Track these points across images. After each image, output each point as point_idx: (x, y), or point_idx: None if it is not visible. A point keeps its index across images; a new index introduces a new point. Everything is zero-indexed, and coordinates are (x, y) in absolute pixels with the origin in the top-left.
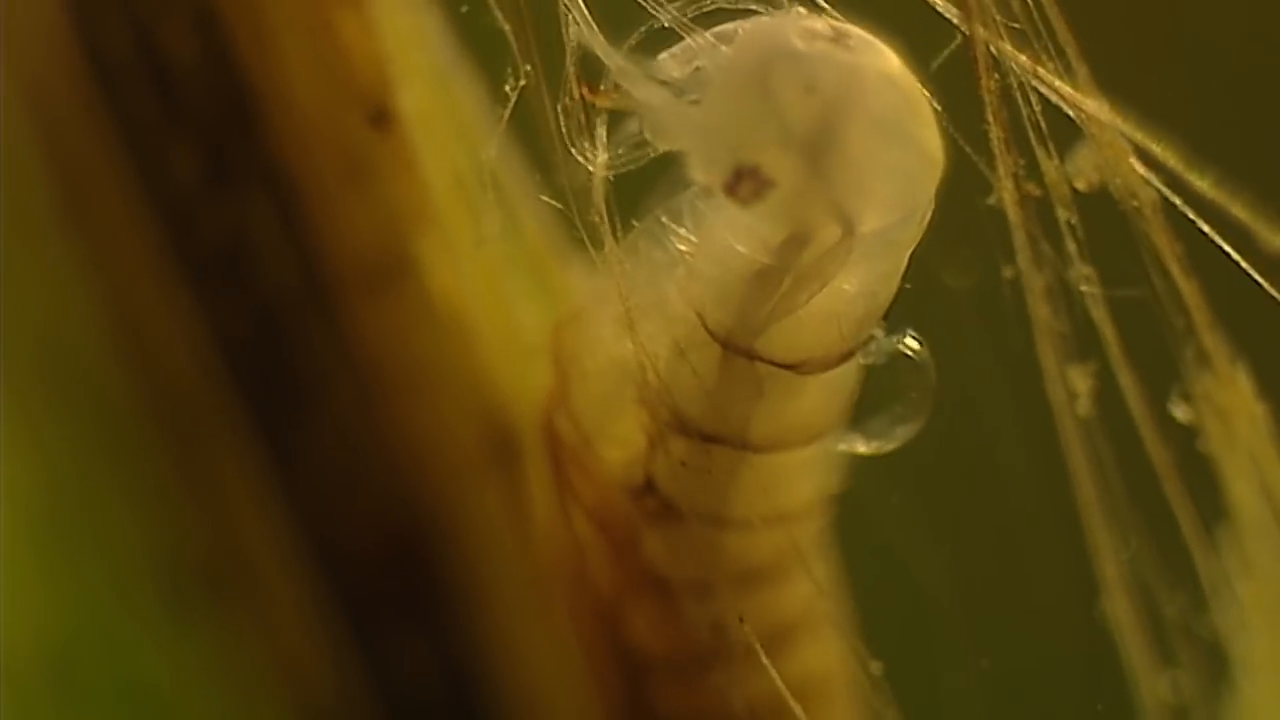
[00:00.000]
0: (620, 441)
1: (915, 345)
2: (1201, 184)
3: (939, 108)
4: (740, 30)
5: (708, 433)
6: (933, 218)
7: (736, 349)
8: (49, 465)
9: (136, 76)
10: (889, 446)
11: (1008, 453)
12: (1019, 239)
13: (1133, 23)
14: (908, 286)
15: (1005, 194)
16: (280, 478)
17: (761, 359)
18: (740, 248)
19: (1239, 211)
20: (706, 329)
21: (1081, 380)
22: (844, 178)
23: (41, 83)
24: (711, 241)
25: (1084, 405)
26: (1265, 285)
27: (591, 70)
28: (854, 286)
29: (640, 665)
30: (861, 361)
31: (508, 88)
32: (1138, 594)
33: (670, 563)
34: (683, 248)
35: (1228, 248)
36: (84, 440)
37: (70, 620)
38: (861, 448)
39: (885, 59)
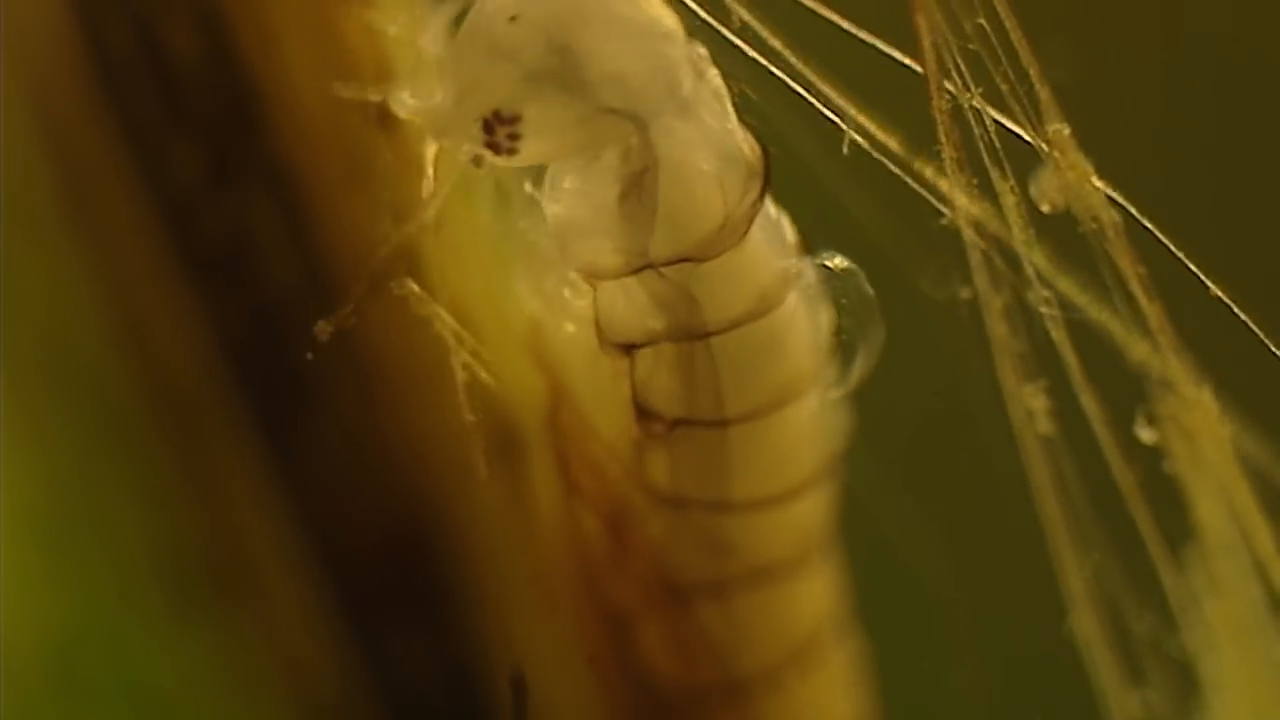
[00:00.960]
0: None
1: (839, 262)
2: (1165, 204)
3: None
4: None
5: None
6: (896, 236)
7: (641, 270)
8: (51, 464)
9: (140, 75)
10: (855, 379)
11: (978, 472)
12: (977, 260)
13: (1094, 43)
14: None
15: (964, 215)
16: (282, 476)
17: (667, 263)
18: (588, 188)
19: (1201, 230)
20: (604, 275)
21: (1043, 401)
22: (587, 81)
23: (45, 81)
24: (568, 197)
25: (1046, 425)
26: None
27: None
28: (694, 154)
29: (646, 665)
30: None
31: None
32: (1105, 613)
33: (677, 558)
34: (556, 210)
35: (1192, 267)
36: (87, 439)
37: (72, 619)
38: (834, 392)
39: None
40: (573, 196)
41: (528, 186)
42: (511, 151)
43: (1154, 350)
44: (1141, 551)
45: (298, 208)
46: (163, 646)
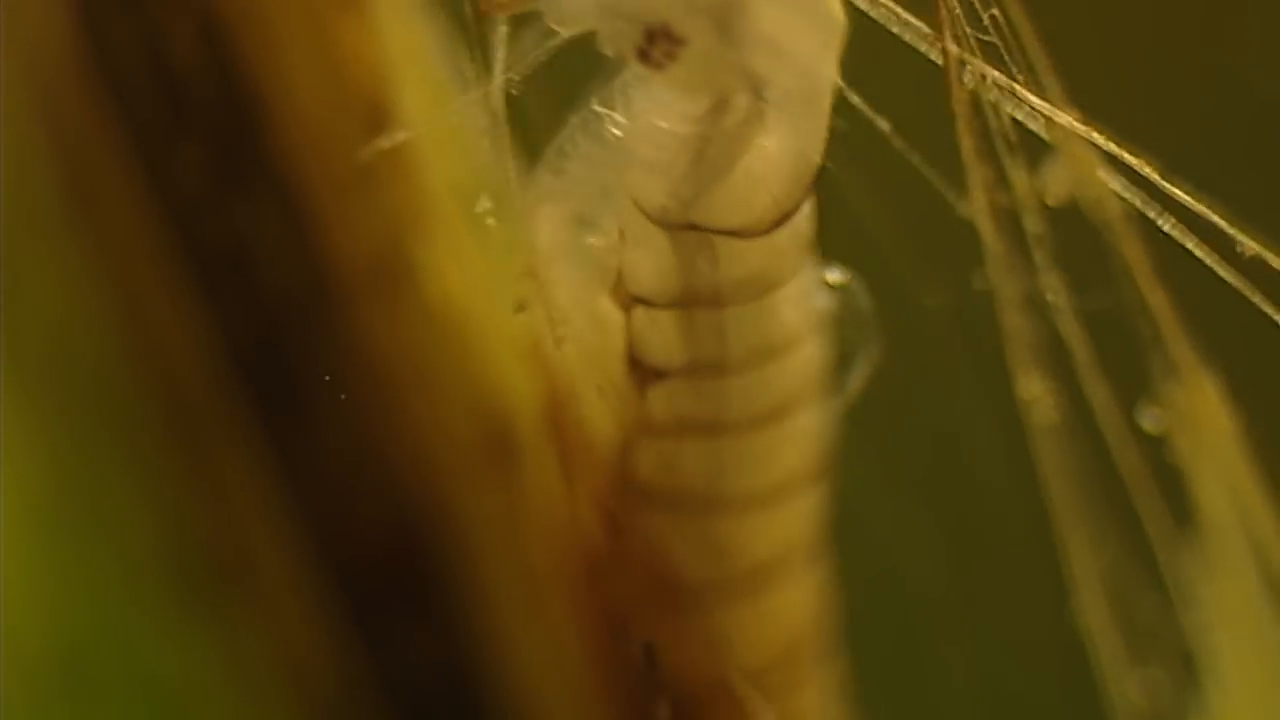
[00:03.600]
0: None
1: (839, 277)
2: (1170, 195)
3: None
4: None
5: (683, 302)
6: (906, 232)
7: (677, 225)
8: (60, 463)
9: (145, 83)
10: (854, 387)
11: (981, 459)
12: (990, 251)
13: (1102, 37)
14: (882, 299)
15: (976, 206)
16: (285, 475)
17: (701, 228)
18: (664, 124)
19: (1207, 222)
20: (644, 212)
21: (1051, 389)
22: (751, 37)
23: (52, 88)
24: (640, 123)
25: (1053, 414)
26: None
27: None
28: (777, 146)
29: (648, 662)
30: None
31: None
32: (1109, 598)
33: (676, 555)
34: (617, 132)
35: (1201, 254)
36: (94, 438)
37: (81, 615)
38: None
39: None
40: (643, 121)
41: (596, 103)
42: (659, 67)
43: (1157, 338)
44: (1144, 537)
45: (300, 211)
46: (170, 643)
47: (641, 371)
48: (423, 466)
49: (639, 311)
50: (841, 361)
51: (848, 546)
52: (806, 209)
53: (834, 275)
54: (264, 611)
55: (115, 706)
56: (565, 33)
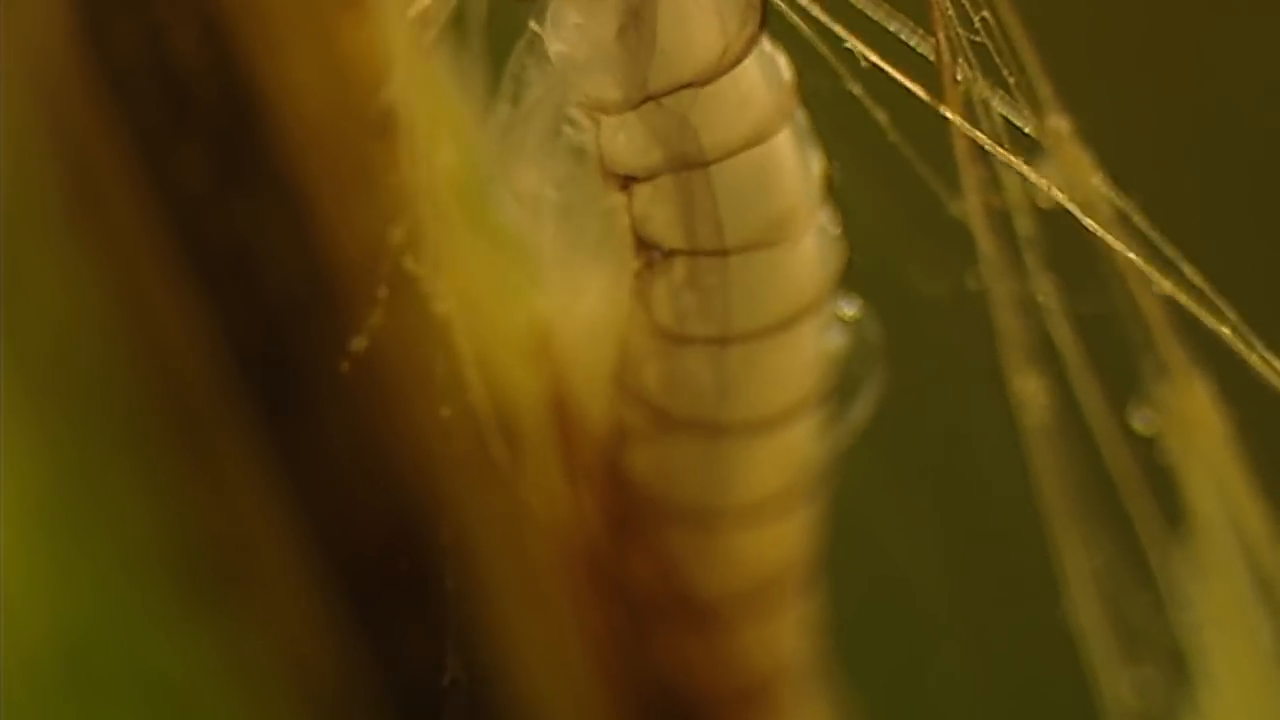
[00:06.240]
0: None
1: (850, 311)
2: (1161, 197)
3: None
4: None
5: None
6: (899, 228)
7: (640, 103)
8: (62, 461)
9: (148, 83)
10: (860, 415)
11: (981, 458)
12: (982, 251)
13: (1093, 39)
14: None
15: (969, 206)
16: (287, 473)
17: (666, 93)
18: (581, 19)
19: (1197, 222)
20: (606, 110)
21: (1044, 390)
22: None
23: (55, 88)
24: (567, 30)
25: (1046, 414)
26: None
27: None
28: None
29: (650, 658)
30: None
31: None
32: (1101, 598)
33: (679, 554)
34: (559, 46)
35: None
36: (96, 437)
37: (84, 613)
38: (837, 429)
39: None
40: (575, 32)
41: (532, 23)
42: None
43: (1148, 340)
44: (1135, 537)
45: (301, 211)
46: (172, 641)
47: (648, 256)
48: (424, 464)
49: (636, 189)
50: (848, 392)
51: (847, 544)
52: (779, 56)
53: (848, 308)
54: (266, 609)
55: (118, 704)
56: None
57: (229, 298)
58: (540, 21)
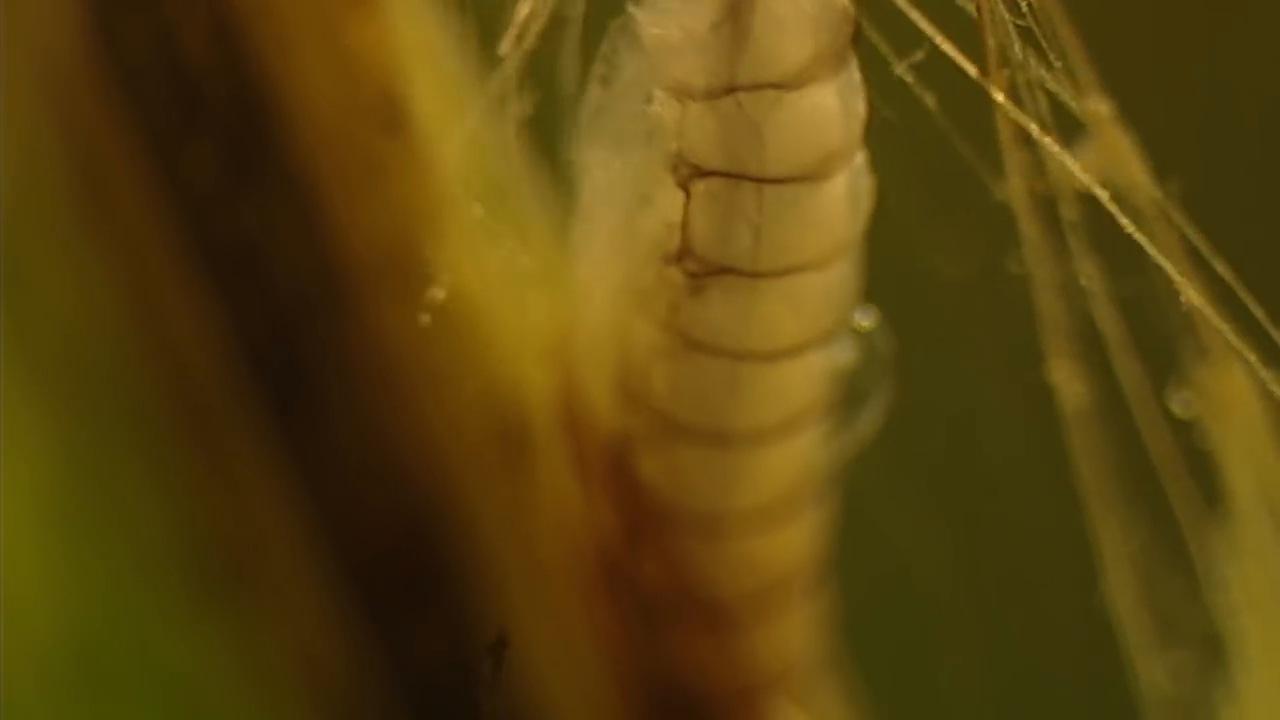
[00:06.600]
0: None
1: (864, 321)
2: (1201, 181)
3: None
4: None
5: (728, 171)
6: (935, 212)
7: (722, 92)
8: (74, 460)
9: (158, 82)
10: (869, 424)
11: (1010, 444)
12: (1024, 234)
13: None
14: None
15: (1012, 189)
16: (298, 471)
17: (748, 88)
18: (685, 10)
19: (1239, 207)
20: (691, 96)
21: (1082, 373)
22: None
23: (65, 86)
24: (662, 11)
25: (1084, 398)
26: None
27: None
28: None
29: (660, 656)
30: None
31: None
32: (1138, 582)
33: (689, 555)
34: (654, 31)
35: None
36: (107, 435)
37: (96, 611)
38: (846, 436)
39: None
40: (670, 17)
41: (630, 7)
42: None
43: (1188, 323)
44: (1173, 521)
45: (311, 208)
46: (183, 638)
47: (685, 265)
48: (434, 462)
49: (696, 186)
50: (855, 402)
51: (854, 538)
52: (861, 93)
53: (863, 319)
54: (277, 607)
55: (129, 702)
56: None
57: (239, 296)
58: (638, 2)
